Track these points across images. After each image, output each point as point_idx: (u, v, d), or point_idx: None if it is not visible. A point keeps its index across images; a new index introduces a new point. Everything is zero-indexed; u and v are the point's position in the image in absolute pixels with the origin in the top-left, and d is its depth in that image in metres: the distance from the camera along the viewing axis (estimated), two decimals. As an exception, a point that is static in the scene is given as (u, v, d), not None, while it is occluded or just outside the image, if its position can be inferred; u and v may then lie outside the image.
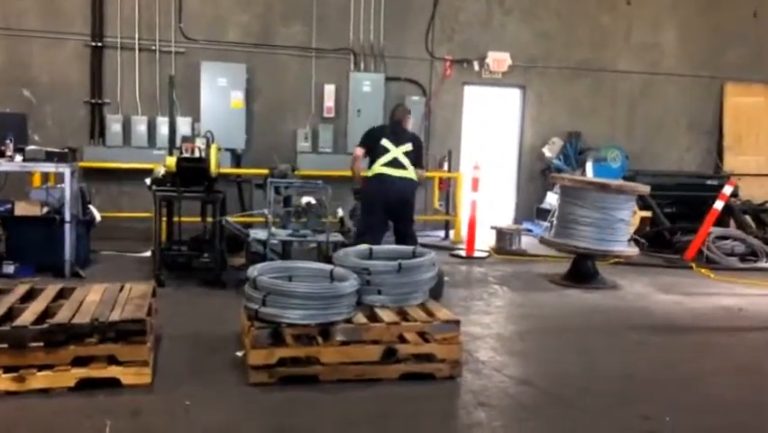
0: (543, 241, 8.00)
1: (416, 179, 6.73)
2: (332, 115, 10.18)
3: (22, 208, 6.72)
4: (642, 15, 11.31)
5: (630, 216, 7.50)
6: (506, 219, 10.86)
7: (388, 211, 6.66)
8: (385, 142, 6.68)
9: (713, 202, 8.76)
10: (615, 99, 11.42)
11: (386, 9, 10.25)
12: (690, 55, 11.56)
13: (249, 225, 7.80)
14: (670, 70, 11.48)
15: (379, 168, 6.64)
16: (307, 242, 6.72)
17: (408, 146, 6.72)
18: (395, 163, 6.63)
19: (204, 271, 6.78)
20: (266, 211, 6.50)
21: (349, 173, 7.14)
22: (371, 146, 6.75)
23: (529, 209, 11.06)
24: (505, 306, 6.48)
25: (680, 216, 9.89)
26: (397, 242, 6.66)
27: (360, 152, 6.83)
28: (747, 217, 9.84)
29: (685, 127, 11.74)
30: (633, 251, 7.56)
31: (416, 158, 6.79)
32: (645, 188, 7.73)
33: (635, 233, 9.33)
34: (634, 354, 5.11)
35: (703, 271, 8.23)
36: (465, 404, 4.02)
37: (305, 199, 6.74)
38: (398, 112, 7.03)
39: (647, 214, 9.70)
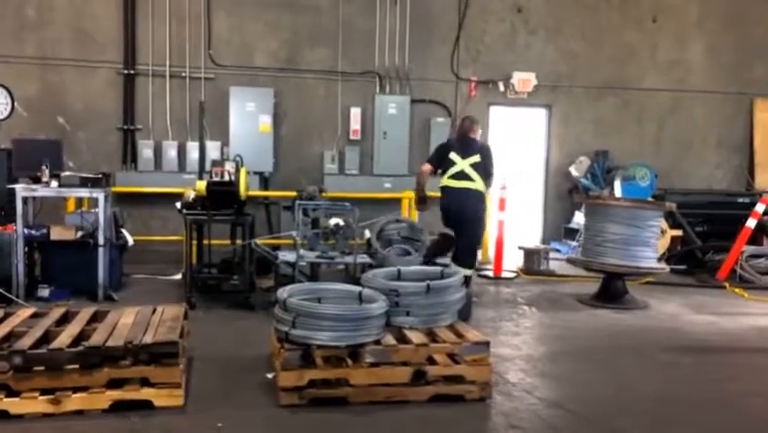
0: (570, 260, 7.95)
1: (483, 190, 6.77)
2: (358, 137, 10.28)
3: (57, 233, 6.87)
4: (667, 32, 11.27)
5: (658, 233, 7.41)
6: (533, 239, 10.80)
7: (454, 221, 6.78)
8: (453, 156, 6.80)
9: (745, 220, 8.62)
10: (642, 117, 11.34)
11: (410, 32, 10.35)
12: (717, 71, 11.46)
13: (277, 248, 7.89)
14: (697, 87, 11.39)
15: (445, 180, 6.82)
16: (335, 263, 6.75)
17: (476, 157, 6.76)
18: (460, 175, 6.73)
19: (233, 294, 6.85)
20: (294, 233, 6.57)
21: (377, 195, 7.17)
22: (441, 161, 6.88)
23: (557, 229, 11.00)
24: (534, 327, 6.43)
25: (711, 234, 9.74)
26: (454, 255, 6.80)
27: (425, 168, 6.98)
28: (781, 235, 9.66)
29: (714, 144, 11.60)
30: (662, 267, 7.46)
31: (485, 168, 6.81)
32: (672, 205, 7.69)
33: (666, 252, 9.24)
34: (666, 376, 5.03)
35: (737, 290, 8.09)
36: (496, 426, 3.99)
37: (332, 221, 6.79)
38: (465, 124, 7.07)
39: (678, 233, 9.58)
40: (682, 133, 11.43)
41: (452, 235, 6.86)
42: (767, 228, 9.55)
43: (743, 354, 5.67)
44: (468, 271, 6.56)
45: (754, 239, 9.18)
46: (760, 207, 8.79)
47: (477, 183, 6.71)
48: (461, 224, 6.74)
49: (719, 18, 11.40)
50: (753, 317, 6.88)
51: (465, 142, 6.92)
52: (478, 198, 6.74)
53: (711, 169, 11.60)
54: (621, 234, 7.13)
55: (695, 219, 9.80)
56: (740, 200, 10.14)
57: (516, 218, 10.39)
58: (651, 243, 7.24)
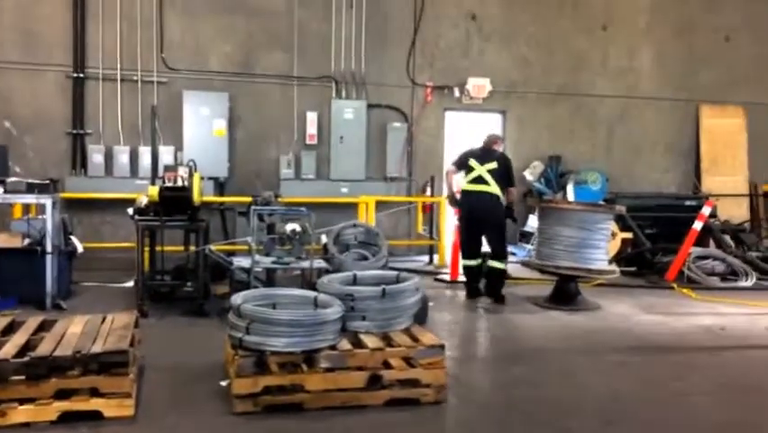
0: (525, 264, 8.07)
1: (498, 193, 7.45)
2: (314, 142, 10.26)
3: (2, 240, 6.67)
4: (617, 40, 11.56)
5: (608, 236, 7.58)
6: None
7: (473, 222, 7.58)
8: (472, 162, 7.58)
9: (692, 223, 8.88)
10: (594, 123, 11.61)
11: (366, 37, 10.39)
12: (665, 78, 11.80)
13: (232, 254, 7.80)
14: (646, 94, 11.71)
15: (465, 185, 7.63)
16: (291, 269, 6.71)
17: (494, 164, 7.50)
18: (478, 180, 7.49)
19: (187, 301, 6.75)
20: (249, 239, 6.51)
21: (334, 199, 7.14)
22: (462, 166, 7.67)
23: (512, 233, 11.13)
24: (489, 329, 6.50)
25: (660, 236, 9.99)
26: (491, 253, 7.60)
27: (450, 168, 7.90)
28: (726, 237, 9.97)
29: (663, 149, 11.93)
30: (612, 269, 7.63)
31: (503, 175, 7.52)
32: (621, 208, 7.92)
33: (616, 254, 9.45)
34: (617, 375, 5.14)
35: (684, 291, 8.31)
36: (451, 430, 4.02)
37: (288, 227, 6.74)
38: (490, 139, 7.85)
39: (628, 235, 9.80)
40: (632, 139, 11.73)
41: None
42: (713, 231, 9.85)
43: (690, 352, 5.83)
44: (502, 265, 7.52)
45: (701, 241, 9.46)
46: (706, 210, 9.07)
47: (492, 187, 7.43)
48: (485, 221, 7.52)
49: (667, 26, 11.75)
50: (700, 317, 7.08)
51: (486, 151, 7.68)
52: (494, 200, 7.45)
53: (660, 173, 11.93)
54: (573, 237, 7.27)
55: (644, 222, 10.04)
56: (687, 203, 10.44)
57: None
58: (602, 245, 7.40)
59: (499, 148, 7.89)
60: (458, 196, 7.81)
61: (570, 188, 10.61)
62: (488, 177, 7.47)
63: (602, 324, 6.75)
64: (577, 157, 11.30)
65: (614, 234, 9.60)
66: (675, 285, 8.54)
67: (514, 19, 11.09)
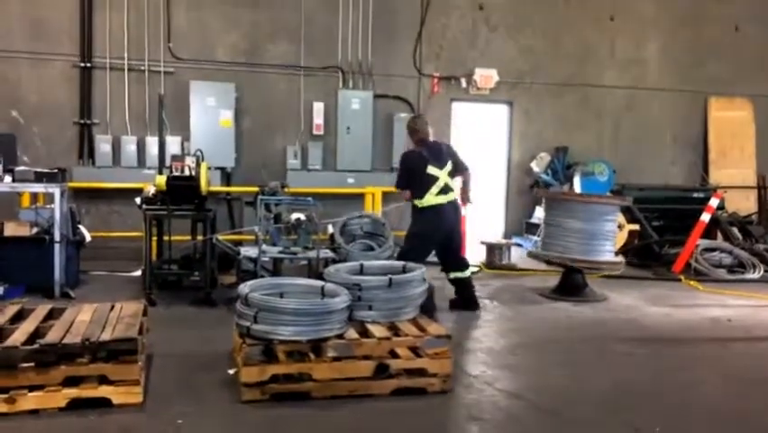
0: (531, 254, 8.07)
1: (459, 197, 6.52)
2: (321, 132, 10.24)
3: (11, 229, 6.70)
4: (625, 30, 11.49)
5: (615, 227, 7.56)
6: (495, 234, 10.91)
7: (440, 238, 6.39)
8: (431, 170, 6.27)
9: (700, 215, 8.85)
10: (601, 114, 11.55)
11: (373, 27, 10.36)
12: (673, 69, 11.73)
13: (239, 243, 7.82)
14: (654, 85, 11.65)
15: (432, 199, 6.28)
16: (298, 258, 6.72)
17: (450, 164, 6.39)
18: (445, 190, 6.33)
19: (194, 290, 6.77)
20: (256, 228, 6.52)
21: (340, 190, 7.02)
22: (417, 179, 6.29)
23: (518, 224, 11.14)
24: (495, 320, 6.50)
25: (667, 228, 9.98)
26: (445, 267, 6.68)
27: (407, 195, 6.42)
28: (734, 229, 9.94)
29: (670, 141, 11.88)
30: (619, 261, 7.62)
31: (458, 168, 6.50)
32: (628, 199, 7.97)
33: (623, 246, 9.43)
34: (623, 366, 5.14)
35: (692, 283, 8.30)
36: (457, 418, 4.03)
37: (295, 216, 6.76)
38: (424, 128, 6.53)
39: (635, 227, 9.78)
40: (639, 130, 11.67)
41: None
42: (721, 223, 9.82)
43: (697, 344, 5.83)
44: (467, 273, 6.71)
45: (709, 233, 9.43)
46: (714, 202, 9.04)
47: (455, 191, 6.47)
48: (447, 238, 6.43)
49: (675, 17, 11.67)
50: (707, 309, 7.07)
51: (434, 149, 6.46)
52: (458, 207, 6.52)
53: (667, 165, 11.88)
54: (580, 228, 7.26)
55: (651, 214, 10.03)
56: (695, 195, 10.41)
57: (478, 213, 10.46)
58: (609, 236, 7.39)
59: (432, 135, 6.59)
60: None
61: (576, 180, 10.59)
62: (450, 182, 6.37)
63: (609, 315, 6.75)
64: (584, 148, 11.25)
65: (621, 226, 9.59)
66: (682, 277, 8.53)
67: (521, 9, 11.03)
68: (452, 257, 6.61)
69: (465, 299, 6.74)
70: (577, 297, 7.34)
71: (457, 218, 6.50)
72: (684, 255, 8.78)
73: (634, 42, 11.55)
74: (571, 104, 11.39)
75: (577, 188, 10.44)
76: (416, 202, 6.38)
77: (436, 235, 6.39)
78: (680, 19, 11.69)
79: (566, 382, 4.72)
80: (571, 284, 7.47)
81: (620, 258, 7.80)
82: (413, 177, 6.35)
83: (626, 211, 9.77)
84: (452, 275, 6.67)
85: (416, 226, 6.50)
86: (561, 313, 6.81)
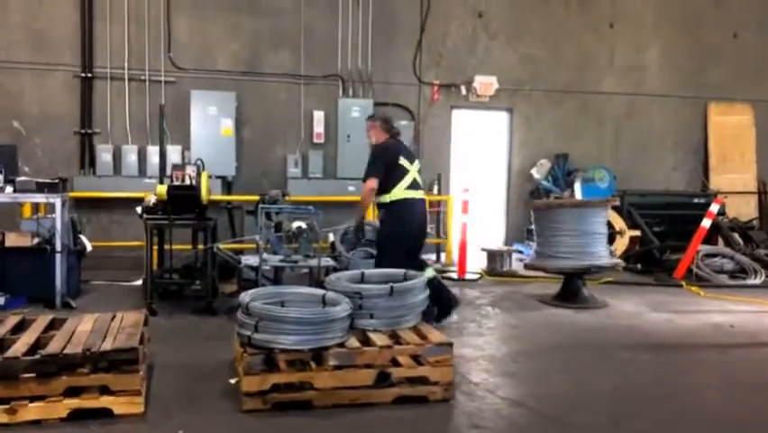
0: (527, 266, 8.07)
1: None
2: (321, 140, 10.27)
3: (12, 239, 6.71)
4: (624, 37, 11.52)
5: (605, 229, 7.55)
6: (497, 241, 10.92)
7: (413, 239, 6.04)
8: (403, 162, 5.96)
9: (701, 220, 8.85)
10: (601, 121, 11.57)
11: (373, 35, 10.39)
12: (672, 76, 11.75)
13: (240, 252, 7.82)
14: (653, 91, 11.67)
15: (402, 192, 5.92)
16: (299, 267, 6.72)
17: (417, 163, 6.16)
18: (416, 185, 6.04)
19: (195, 299, 6.78)
20: (257, 237, 6.53)
21: (341, 198, 6.97)
22: (389, 170, 5.90)
23: (519, 231, 11.14)
24: (497, 327, 6.49)
25: (668, 234, 9.97)
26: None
27: (374, 184, 5.88)
28: (735, 235, 9.93)
29: (671, 147, 11.89)
30: (614, 262, 7.61)
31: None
32: (614, 200, 8.00)
33: (624, 252, 9.43)
34: (625, 373, 5.13)
35: (693, 288, 8.28)
36: (459, 426, 4.02)
37: (296, 225, 6.76)
38: (393, 125, 6.30)
39: (636, 233, 9.78)
40: (640, 136, 11.69)
41: None
42: (722, 228, 9.82)
43: (698, 350, 5.81)
44: (432, 272, 6.21)
45: (710, 238, 9.42)
46: (714, 208, 9.03)
47: (423, 193, 6.20)
48: (418, 240, 6.17)
49: (674, 24, 11.70)
50: (708, 315, 7.05)
51: (404, 145, 6.28)
52: (426, 210, 6.25)
53: (668, 171, 11.88)
54: (570, 234, 7.26)
55: (653, 220, 10.02)
56: (696, 201, 10.40)
57: (479, 221, 10.49)
58: (600, 239, 7.38)
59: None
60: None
61: (577, 186, 10.60)
62: (419, 179, 6.08)
63: (610, 321, 6.74)
64: (584, 155, 11.26)
65: (622, 232, 9.60)
66: (684, 283, 8.52)
67: (520, 17, 11.07)
68: (416, 261, 6.08)
69: (442, 302, 6.13)
70: (578, 303, 7.33)
71: (426, 219, 6.23)
72: (685, 261, 8.77)
73: (633, 49, 11.58)
74: (572, 110, 11.41)
75: (578, 194, 10.45)
76: (384, 198, 5.96)
77: (410, 234, 6.01)
78: (679, 25, 11.72)
79: (568, 388, 4.71)
80: (572, 291, 7.46)
81: (617, 260, 7.79)
82: (385, 167, 5.93)
83: (628, 217, 9.78)
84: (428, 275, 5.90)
85: (386, 226, 6.07)
86: (562, 320, 6.80)
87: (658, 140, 11.81)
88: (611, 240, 8.86)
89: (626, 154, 11.60)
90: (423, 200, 6.16)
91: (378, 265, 5.88)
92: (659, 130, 11.79)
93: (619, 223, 9.62)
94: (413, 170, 6.05)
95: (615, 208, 8.98)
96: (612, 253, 7.86)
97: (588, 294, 7.47)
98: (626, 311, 7.19)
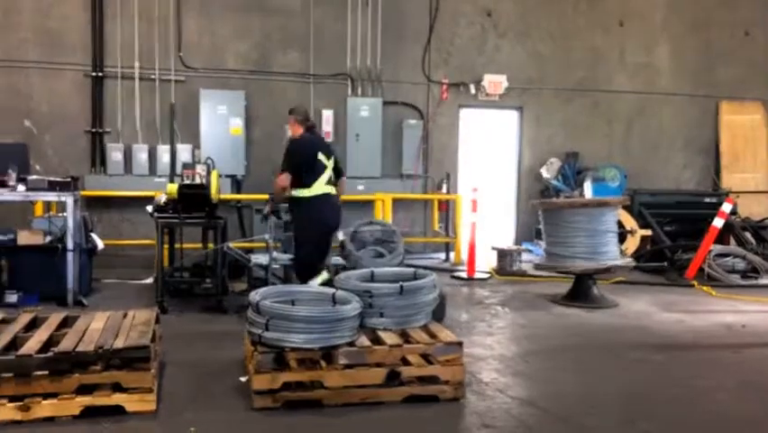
0: (537, 267, 8.05)
1: None
2: (330, 139, 10.24)
3: (24, 238, 6.76)
4: (634, 35, 11.45)
5: (615, 228, 7.52)
6: (506, 240, 10.89)
7: (327, 234, 6.15)
8: (321, 157, 5.99)
9: (712, 220, 8.79)
10: (611, 119, 11.51)
11: (382, 34, 10.38)
12: (683, 74, 11.68)
13: (250, 251, 7.83)
14: (664, 89, 11.60)
15: (321, 187, 5.95)
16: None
17: (333, 160, 6.16)
18: (330, 181, 6.08)
19: (206, 298, 6.80)
20: (267, 236, 6.54)
21: (350, 197, 6.82)
22: (308, 165, 5.92)
23: (529, 230, 11.09)
24: (507, 327, 6.48)
25: (680, 234, 9.91)
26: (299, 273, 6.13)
27: (286, 182, 5.87)
28: (747, 234, 9.87)
29: (682, 146, 11.82)
30: (626, 262, 7.58)
31: (338, 171, 6.25)
32: (624, 199, 8.00)
33: (636, 251, 9.38)
34: (636, 373, 5.11)
35: (705, 288, 8.24)
36: (469, 426, 4.01)
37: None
38: (309, 118, 6.27)
39: (647, 232, 9.73)
40: (650, 135, 11.62)
41: None
42: (733, 228, 9.75)
43: (710, 350, 5.78)
44: (323, 277, 5.97)
45: (721, 238, 9.36)
46: (726, 207, 8.97)
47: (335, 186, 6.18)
48: (329, 237, 6.23)
49: (684, 22, 11.63)
50: (720, 315, 7.01)
51: (321, 139, 6.33)
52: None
53: (679, 169, 11.81)
54: (581, 234, 7.23)
55: (664, 219, 9.97)
56: (707, 200, 10.33)
57: (489, 220, 10.47)
58: (610, 239, 7.35)
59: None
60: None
61: (587, 185, 10.54)
62: (332, 176, 6.11)
63: (621, 321, 6.71)
64: (594, 154, 11.21)
65: (633, 232, 9.56)
66: (695, 283, 8.47)
67: (529, 15, 11.03)
68: (326, 256, 6.24)
69: None
70: (589, 303, 7.31)
71: (340, 216, 6.21)
72: (697, 261, 8.72)
73: (643, 47, 11.51)
74: (582, 109, 11.35)
75: (588, 193, 10.40)
76: (302, 192, 5.91)
77: (322, 230, 6.06)
78: (689, 24, 11.64)
79: (579, 389, 4.69)
80: (583, 290, 7.44)
81: (628, 259, 7.76)
82: (304, 162, 5.92)
83: (639, 216, 9.73)
84: (320, 280, 5.90)
85: (303, 220, 6.01)
86: (573, 319, 6.78)
87: (669, 138, 11.74)
88: (622, 239, 8.82)
89: (636, 153, 11.53)
90: (337, 196, 6.20)
91: (297, 256, 6.13)
92: (670, 128, 11.72)
93: (630, 222, 9.57)
94: (329, 166, 6.09)
95: (626, 208, 8.94)
96: (623, 253, 7.81)
97: (598, 294, 7.45)
98: (637, 311, 7.16)
